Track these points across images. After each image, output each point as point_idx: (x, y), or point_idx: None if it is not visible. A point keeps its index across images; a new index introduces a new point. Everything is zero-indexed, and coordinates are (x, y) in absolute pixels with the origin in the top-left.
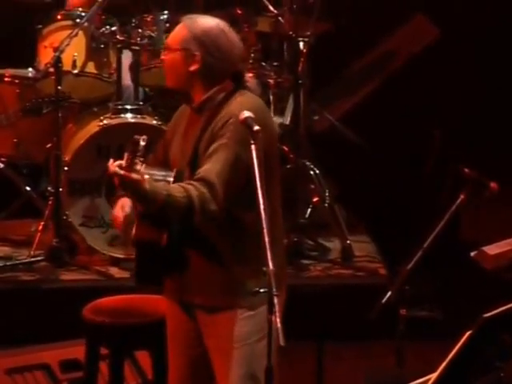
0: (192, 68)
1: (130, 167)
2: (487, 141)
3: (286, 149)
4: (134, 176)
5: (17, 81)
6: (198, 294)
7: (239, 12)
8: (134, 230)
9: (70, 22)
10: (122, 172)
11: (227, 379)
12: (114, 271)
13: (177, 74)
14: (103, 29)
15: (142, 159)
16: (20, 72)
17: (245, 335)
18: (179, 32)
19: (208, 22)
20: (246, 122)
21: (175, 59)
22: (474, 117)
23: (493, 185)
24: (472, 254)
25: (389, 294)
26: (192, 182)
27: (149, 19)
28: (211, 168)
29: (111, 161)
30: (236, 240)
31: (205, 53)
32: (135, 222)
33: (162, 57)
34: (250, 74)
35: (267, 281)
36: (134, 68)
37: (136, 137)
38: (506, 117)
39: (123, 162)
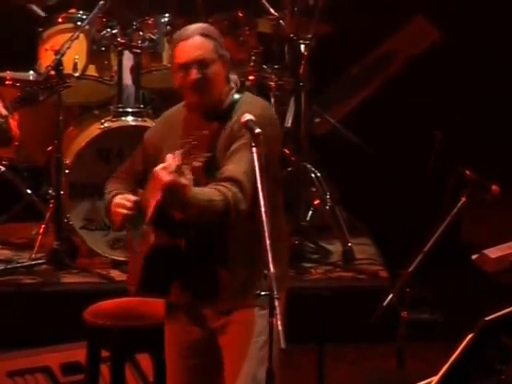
0: (226, 72)
1: (178, 171)
2: (489, 142)
3: (287, 151)
4: (183, 181)
5: (18, 84)
6: (214, 298)
7: (240, 15)
8: (151, 238)
9: (70, 25)
10: (170, 178)
11: (237, 374)
12: (115, 274)
13: (220, 84)
14: (104, 31)
15: (200, 163)
16: (21, 75)
17: (263, 329)
18: (204, 44)
19: (205, 25)
20: (247, 125)
21: (217, 70)
22: (476, 118)
23: (494, 187)
24: (473, 256)
25: (390, 296)
26: (221, 183)
27: (150, 22)
28: (237, 167)
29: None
30: (249, 241)
31: (227, 53)
32: (151, 229)
33: (199, 75)
34: None
35: (268, 283)
36: (135, 71)
37: (190, 137)
38: (508, 118)
39: (172, 166)
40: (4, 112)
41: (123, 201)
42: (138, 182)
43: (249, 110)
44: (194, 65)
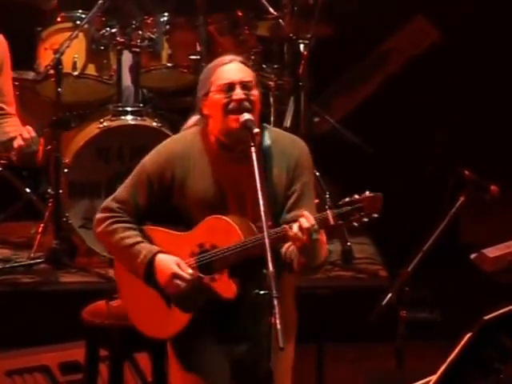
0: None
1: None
2: (489, 142)
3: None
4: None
5: (17, 83)
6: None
7: (240, 14)
8: (231, 288)
9: (70, 24)
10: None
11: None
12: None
13: (258, 114)
14: (103, 31)
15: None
16: (20, 74)
17: None
18: (246, 68)
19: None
20: (246, 125)
21: (258, 96)
22: (476, 118)
23: (493, 187)
24: (472, 256)
25: (389, 295)
26: None
27: (149, 21)
28: (312, 209)
29: None
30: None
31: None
32: (226, 278)
33: (244, 96)
34: None
35: (267, 283)
36: (134, 70)
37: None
38: (508, 118)
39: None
40: (34, 134)
41: (183, 273)
42: (139, 218)
43: (290, 152)
44: (239, 85)
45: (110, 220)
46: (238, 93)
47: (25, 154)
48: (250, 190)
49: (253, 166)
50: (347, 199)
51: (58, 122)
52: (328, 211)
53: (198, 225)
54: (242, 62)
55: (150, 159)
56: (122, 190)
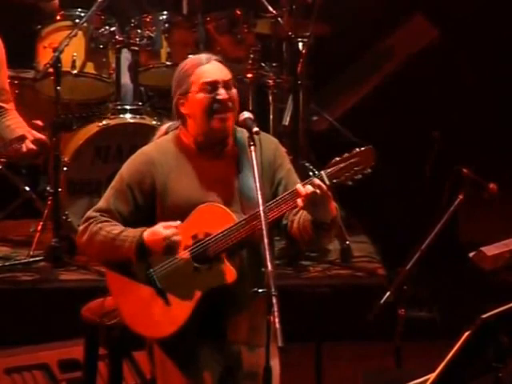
0: None
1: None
2: (487, 142)
3: (284, 149)
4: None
5: (16, 81)
6: (246, 330)
7: (238, 13)
8: (231, 273)
9: (69, 23)
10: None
11: None
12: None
13: (237, 113)
14: (102, 29)
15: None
16: (19, 72)
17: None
18: (225, 68)
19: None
20: (246, 124)
21: (237, 95)
22: (474, 117)
23: (491, 186)
24: (470, 254)
25: (387, 294)
26: None
27: (148, 19)
28: None
29: None
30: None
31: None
32: (225, 264)
33: (227, 96)
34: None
35: (266, 281)
36: (133, 68)
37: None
38: (506, 118)
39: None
40: (43, 137)
41: (170, 230)
42: (122, 224)
43: (267, 147)
44: (222, 85)
45: (94, 223)
46: (222, 93)
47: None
48: (233, 182)
49: (252, 165)
50: (337, 158)
51: (59, 123)
52: (322, 172)
53: (188, 217)
54: (219, 61)
55: (127, 168)
56: (102, 201)
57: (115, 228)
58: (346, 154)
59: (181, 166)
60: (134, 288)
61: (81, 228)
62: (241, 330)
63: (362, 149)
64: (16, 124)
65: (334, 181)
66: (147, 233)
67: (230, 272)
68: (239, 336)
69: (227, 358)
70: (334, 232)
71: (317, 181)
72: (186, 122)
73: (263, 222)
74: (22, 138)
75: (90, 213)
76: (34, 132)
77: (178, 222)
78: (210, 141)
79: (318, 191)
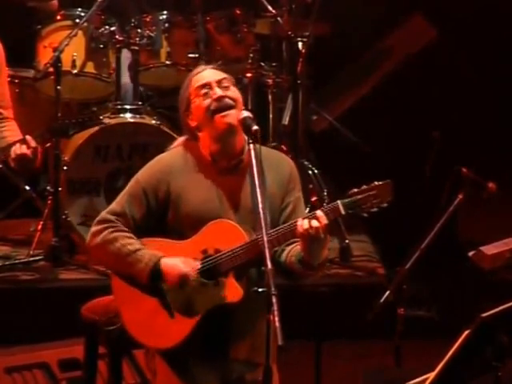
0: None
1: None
2: (487, 142)
3: (284, 148)
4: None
5: (16, 81)
6: (247, 349)
7: (238, 12)
8: (238, 290)
9: (69, 22)
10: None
11: None
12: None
13: (239, 111)
14: (102, 29)
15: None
16: (19, 72)
17: None
18: (220, 71)
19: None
20: (245, 122)
21: (238, 94)
22: (474, 118)
23: (491, 185)
24: (470, 253)
25: (387, 293)
26: None
27: (148, 19)
28: None
29: None
30: None
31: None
32: (232, 281)
33: (223, 93)
34: None
35: (266, 280)
36: (133, 68)
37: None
38: (506, 118)
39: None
40: (34, 144)
41: (189, 268)
42: (134, 232)
43: (283, 167)
44: (215, 84)
45: (110, 229)
46: (217, 91)
47: (23, 161)
48: (247, 199)
49: (252, 165)
50: (356, 190)
51: (56, 129)
52: (338, 201)
53: (200, 231)
54: (216, 68)
55: (143, 173)
56: (116, 204)
57: (131, 242)
58: (365, 186)
59: (197, 178)
60: (139, 298)
61: (94, 229)
62: (242, 350)
63: (381, 183)
64: (12, 137)
65: (350, 211)
66: (165, 262)
67: (236, 291)
68: (240, 355)
69: (226, 374)
70: (317, 274)
71: (315, 223)
72: (198, 135)
73: (262, 222)
74: (12, 145)
75: (104, 215)
76: (30, 139)
77: (199, 263)
78: (222, 148)
79: (313, 233)
